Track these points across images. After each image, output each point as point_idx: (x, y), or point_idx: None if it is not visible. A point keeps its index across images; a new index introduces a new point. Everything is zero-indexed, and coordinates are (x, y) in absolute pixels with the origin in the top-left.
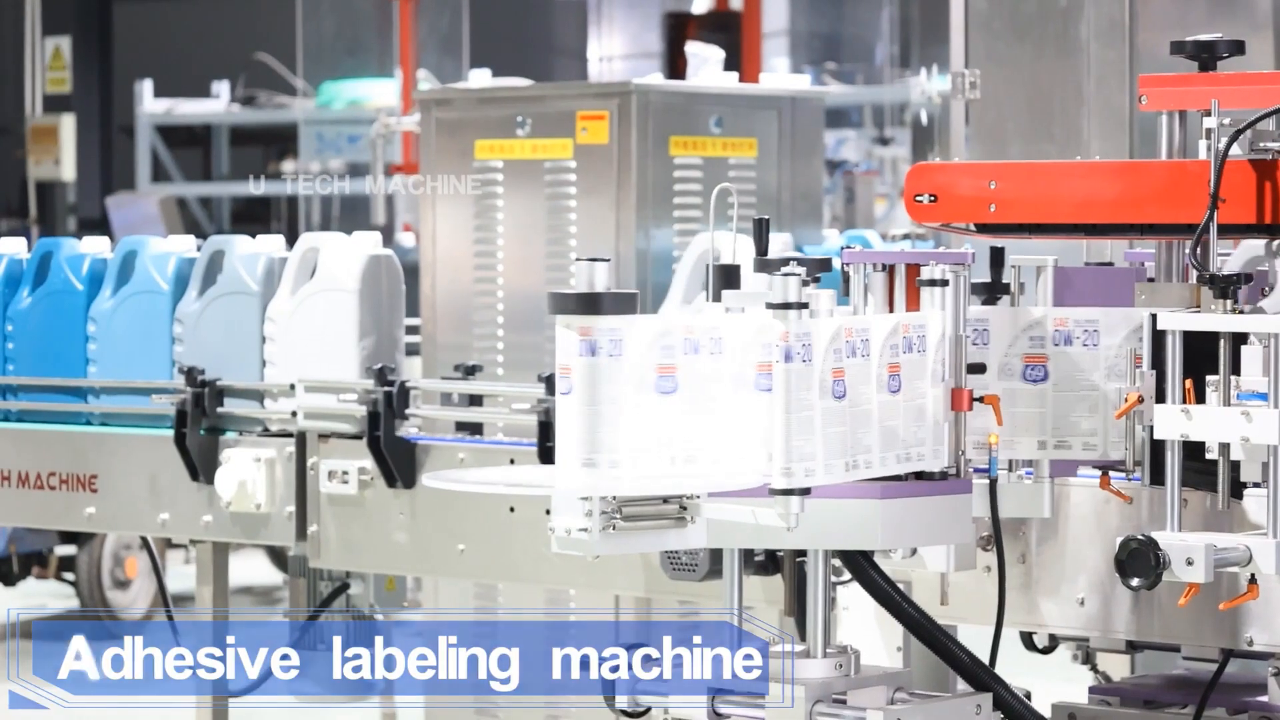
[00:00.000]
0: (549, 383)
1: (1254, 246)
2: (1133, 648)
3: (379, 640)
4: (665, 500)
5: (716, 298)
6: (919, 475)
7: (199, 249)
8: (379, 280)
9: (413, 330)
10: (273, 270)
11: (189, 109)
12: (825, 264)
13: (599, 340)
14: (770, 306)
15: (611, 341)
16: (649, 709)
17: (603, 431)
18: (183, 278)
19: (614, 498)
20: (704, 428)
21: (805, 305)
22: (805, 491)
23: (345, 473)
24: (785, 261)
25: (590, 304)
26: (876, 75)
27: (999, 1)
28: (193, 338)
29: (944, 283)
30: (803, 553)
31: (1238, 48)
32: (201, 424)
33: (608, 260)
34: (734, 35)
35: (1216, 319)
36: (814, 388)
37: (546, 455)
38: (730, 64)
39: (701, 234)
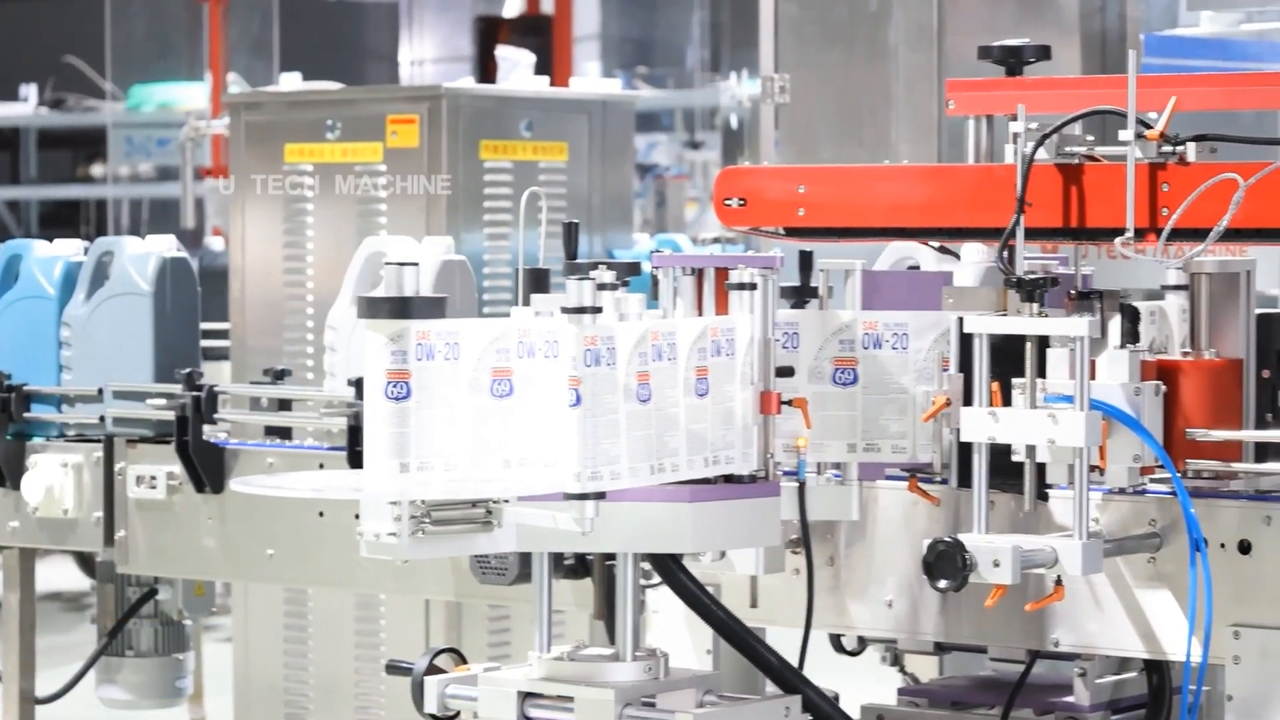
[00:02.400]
0: (358, 387)
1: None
2: (941, 649)
3: (188, 645)
4: (474, 504)
5: (526, 301)
6: (728, 478)
7: None
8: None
9: (222, 334)
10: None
11: None
12: (634, 268)
13: (408, 343)
14: (565, 311)
15: (420, 346)
16: (458, 713)
17: (412, 435)
18: None
19: (423, 502)
20: (518, 431)
21: (599, 310)
22: (600, 496)
23: (153, 478)
24: (594, 266)
25: (399, 308)
26: (687, 79)
27: (809, 6)
28: None
29: (752, 286)
30: (612, 556)
31: (1044, 53)
32: (7, 429)
33: (416, 264)
34: (545, 39)
35: (1022, 322)
36: (618, 391)
37: (356, 460)
38: (541, 68)
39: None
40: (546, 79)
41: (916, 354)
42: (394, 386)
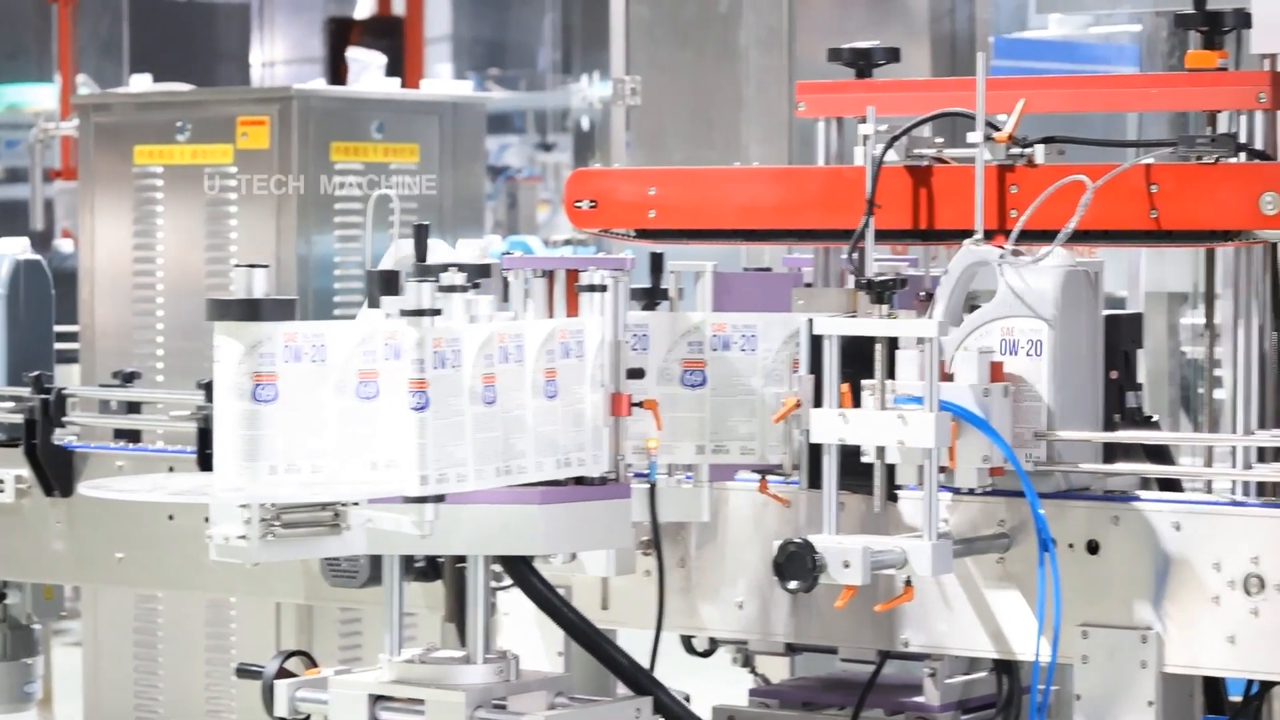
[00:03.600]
0: (208, 390)
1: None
2: (792, 650)
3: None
4: (323, 507)
5: (375, 304)
6: (579, 480)
7: None
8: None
9: (71, 337)
10: None
11: None
12: (485, 269)
13: (261, 346)
14: (404, 314)
15: (263, 354)
16: (308, 716)
17: (275, 437)
18: None
19: (273, 505)
20: (383, 433)
21: (438, 312)
22: (440, 499)
23: (1, 481)
24: (444, 268)
25: (250, 310)
26: (539, 81)
27: (660, 8)
28: None
29: (603, 288)
30: (464, 559)
31: (894, 55)
32: None
33: (266, 266)
34: (396, 41)
35: (872, 324)
36: (463, 394)
37: (206, 463)
38: (392, 70)
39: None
40: (398, 81)
41: (765, 355)
42: (261, 389)
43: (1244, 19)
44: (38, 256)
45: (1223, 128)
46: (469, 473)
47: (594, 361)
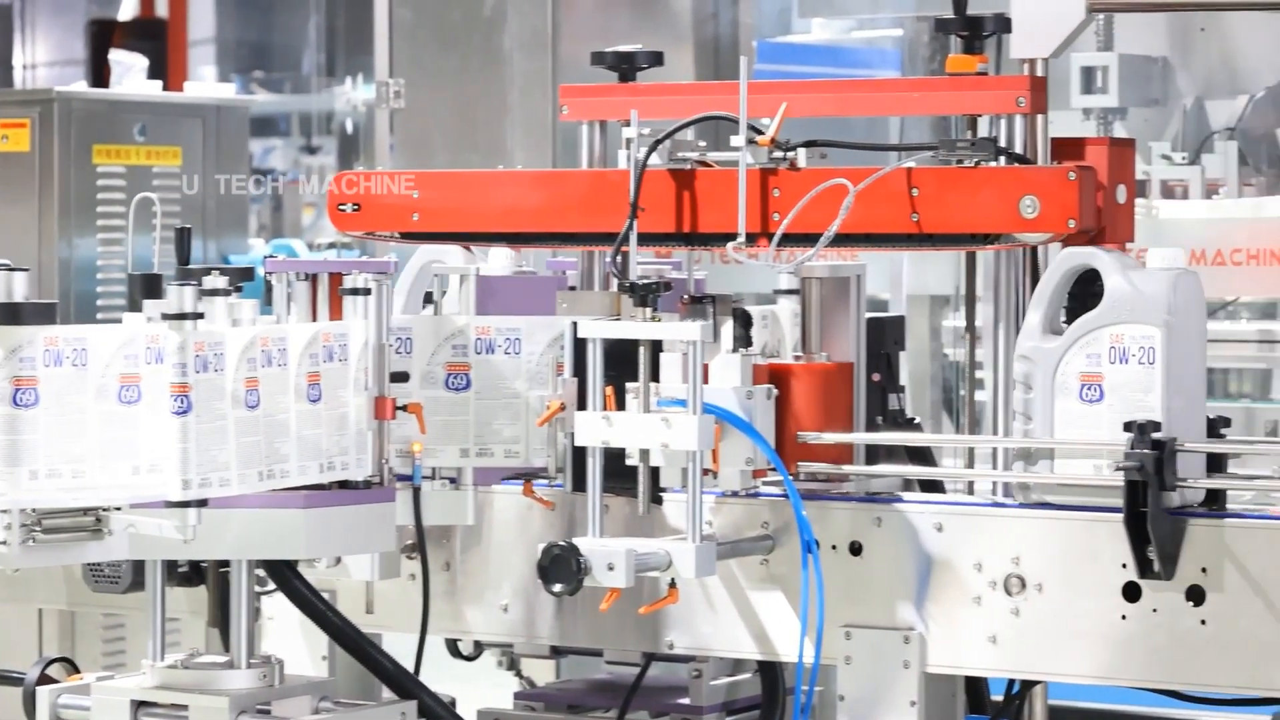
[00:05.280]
0: None
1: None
2: (557, 652)
3: None
4: (85, 512)
5: (137, 308)
6: (343, 484)
7: None
8: None
9: None
10: None
11: None
12: (248, 273)
13: (21, 350)
14: (165, 317)
15: (23, 359)
16: None
17: (36, 442)
18: None
19: (34, 510)
20: (145, 437)
21: (200, 315)
22: (202, 503)
23: None
24: (206, 271)
25: (9, 314)
26: (304, 84)
27: (424, 11)
28: None
29: (366, 291)
30: (227, 563)
31: (657, 59)
32: None
33: (27, 270)
34: (160, 43)
35: (635, 327)
36: (226, 398)
37: None
38: (155, 72)
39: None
40: (160, 83)
41: (529, 358)
42: (21, 394)
43: (1004, 24)
44: None
45: (983, 132)
46: (232, 477)
47: (357, 365)
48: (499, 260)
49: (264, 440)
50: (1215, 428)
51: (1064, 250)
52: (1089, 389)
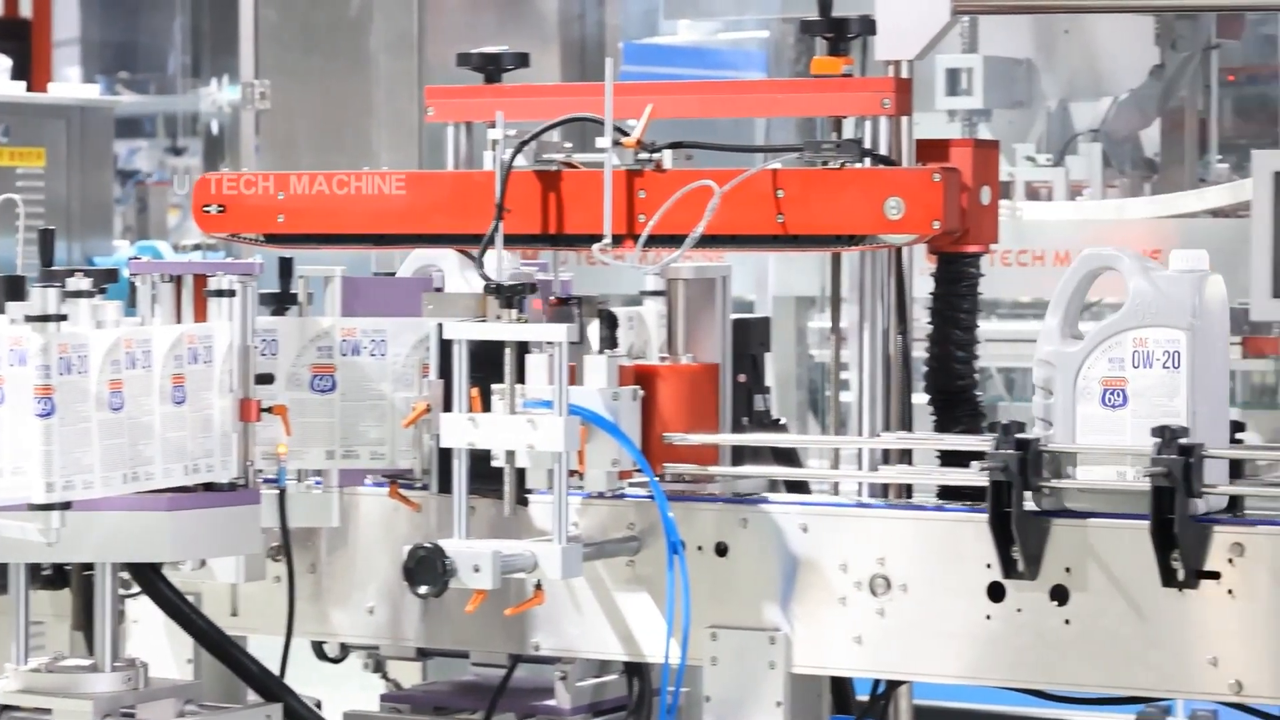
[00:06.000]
0: None
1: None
2: (423, 654)
3: None
4: None
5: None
6: (208, 486)
7: None
8: None
9: None
10: None
11: None
12: (112, 275)
13: None
14: (29, 319)
15: None
16: None
17: None
18: None
19: None
20: (6, 440)
21: (64, 317)
22: (66, 505)
23: None
24: (70, 273)
25: None
26: (169, 85)
27: (289, 12)
28: None
29: (231, 293)
30: (91, 566)
31: (522, 60)
32: None
33: None
34: (23, 43)
35: (501, 328)
36: (90, 400)
37: None
38: (19, 72)
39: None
40: (24, 84)
41: (395, 360)
42: None
43: (869, 25)
44: None
45: (848, 133)
46: (96, 479)
47: (222, 367)
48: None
49: (128, 443)
50: None
51: (1084, 252)
52: (1112, 394)
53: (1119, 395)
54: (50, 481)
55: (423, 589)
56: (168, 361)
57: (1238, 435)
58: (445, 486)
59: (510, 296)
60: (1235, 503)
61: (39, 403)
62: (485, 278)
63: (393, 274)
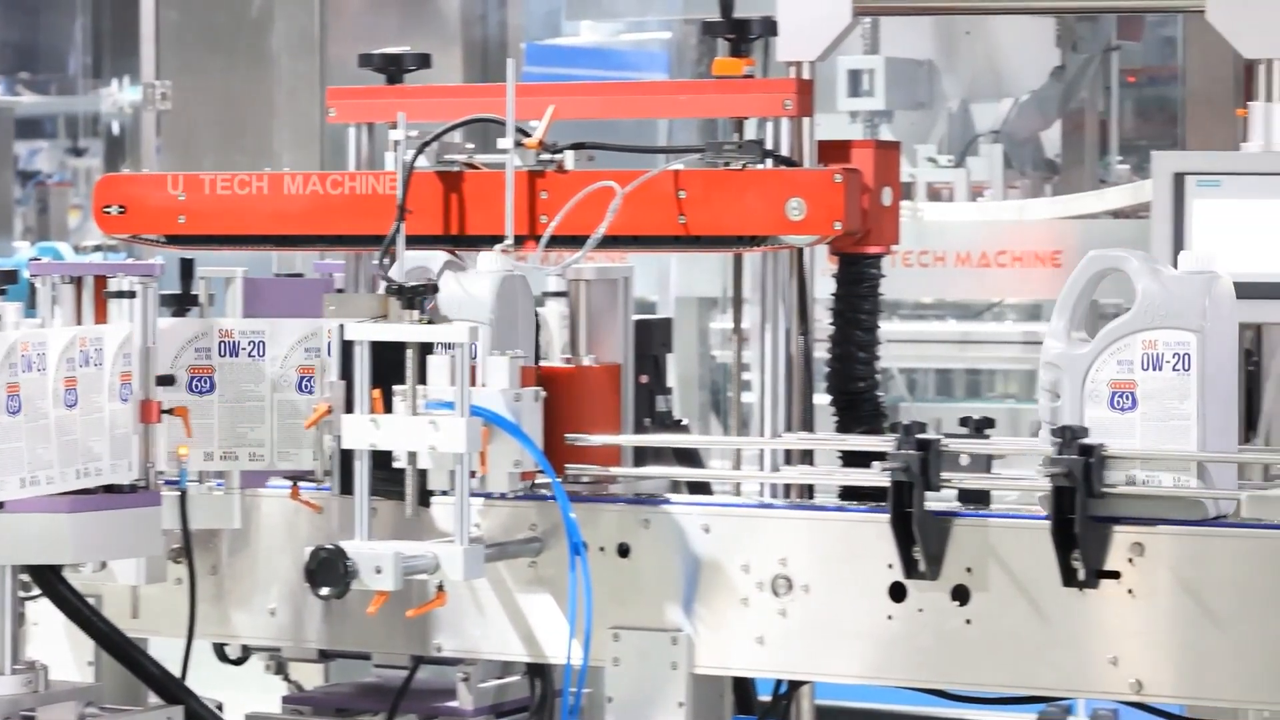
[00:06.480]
0: None
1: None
2: (325, 656)
3: None
4: None
5: None
6: (109, 488)
7: None
8: None
9: None
10: None
11: None
12: (12, 276)
13: None
14: None
15: None
16: None
17: None
18: None
19: None
20: None
21: None
22: None
23: None
24: None
25: None
26: (70, 85)
27: (190, 13)
28: None
29: (131, 295)
30: None
31: (424, 61)
32: None
33: None
34: None
35: (402, 329)
36: None
37: None
38: None
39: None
40: None
41: (274, 361)
42: None
43: (770, 27)
44: None
45: (750, 134)
46: None
47: (113, 369)
48: (489, 262)
49: (25, 446)
50: (980, 428)
51: (1090, 252)
52: (1121, 397)
53: (1128, 398)
54: None
55: (324, 590)
56: (61, 364)
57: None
58: (347, 488)
59: (412, 297)
60: None
61: None
62: (386, 279)
63: (299, 275)
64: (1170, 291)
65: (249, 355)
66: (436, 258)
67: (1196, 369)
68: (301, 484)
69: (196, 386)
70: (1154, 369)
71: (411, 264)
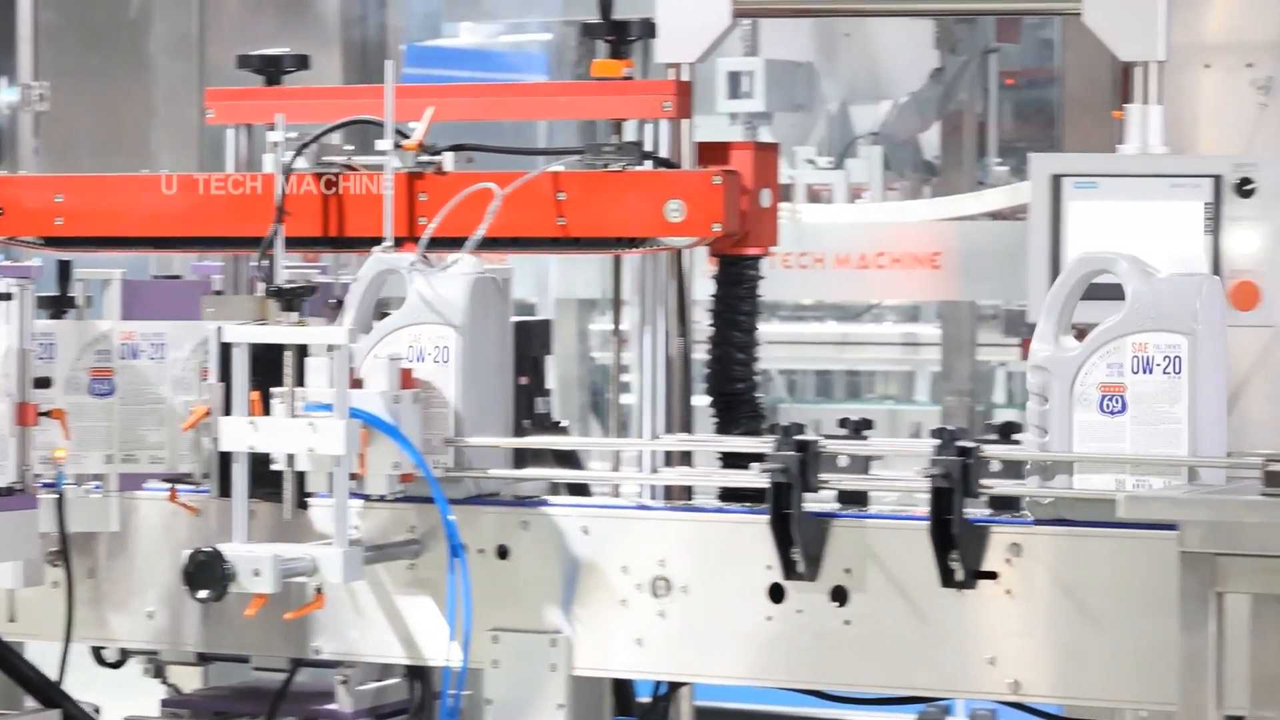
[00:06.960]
0: None
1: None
2: (204, 659)
3: None
4: None
5: None
6: None
7: None
8: None
9: None
10: None
11: None
12: None
13: None
14: None
15: None
16: None
17: None
18: None
19: None
20: None
21: None
22: None
23: None
24: None
25: None
26: None
27: (68, 13)
28: None
29: (7, 297)
30: None
31: (303, 62)
32: None
33: None
34: None
35: (280, 331)
36: None
37: None
38: None
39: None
40: None
41: (175, 363)
42: None
43: (650, 29)
44: None
45: (629, 136)
46: None
47: None
48: (467, 263)
49: None
50: (858, 429)
51: (1079, 254)
52: (1110, 400)
53: (1118, 401)
54: None
55: (202, 593)
56: None
57: (1014, 436)
58: (225, 490)
59: (290, 299)
60: (1012, 503)
61: None
62: (265, 281)
63: (176, 277)
64: (1161, 294)
65: (149, 358)
66: (403, 259)
67: (1187, 372)
68: (180, 486)
69: (97, 389)
70: (1144, 372)
71: (381, 265)
